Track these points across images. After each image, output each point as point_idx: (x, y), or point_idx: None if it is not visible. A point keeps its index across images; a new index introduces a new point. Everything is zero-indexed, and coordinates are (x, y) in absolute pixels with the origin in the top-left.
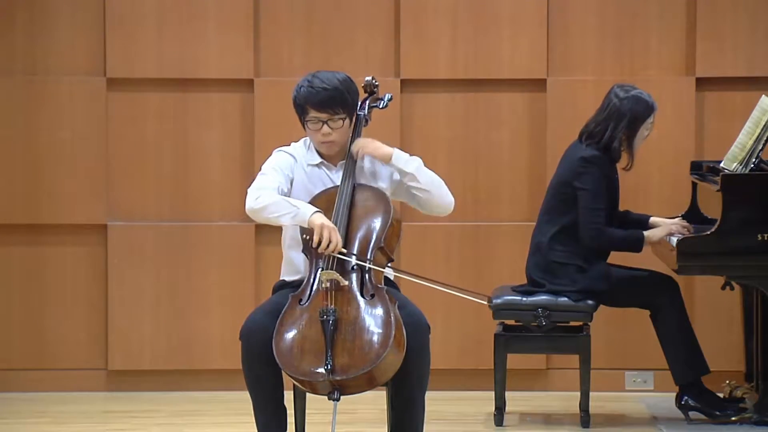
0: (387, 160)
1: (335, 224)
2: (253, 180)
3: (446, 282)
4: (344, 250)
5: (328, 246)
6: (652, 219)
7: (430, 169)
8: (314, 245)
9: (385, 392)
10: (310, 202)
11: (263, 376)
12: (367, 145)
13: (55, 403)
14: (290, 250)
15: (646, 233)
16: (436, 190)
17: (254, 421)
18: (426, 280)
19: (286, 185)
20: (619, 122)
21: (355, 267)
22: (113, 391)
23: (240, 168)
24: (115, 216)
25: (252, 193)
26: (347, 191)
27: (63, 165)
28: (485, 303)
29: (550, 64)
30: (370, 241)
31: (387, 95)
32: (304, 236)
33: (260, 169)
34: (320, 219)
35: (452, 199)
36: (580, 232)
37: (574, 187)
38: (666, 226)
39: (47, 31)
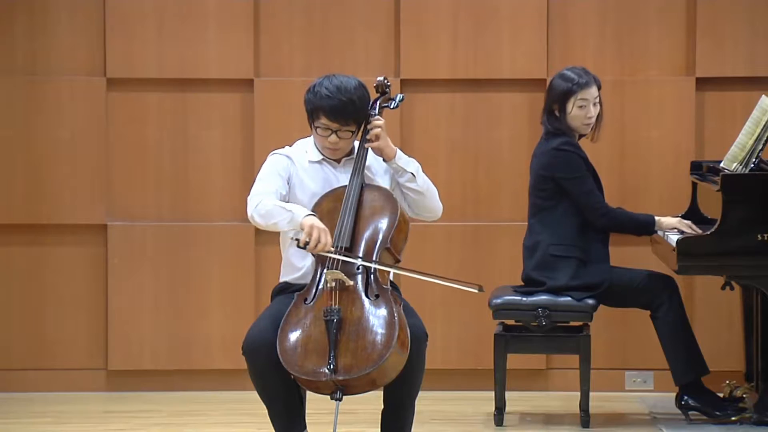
0: (391, 157)
1: (342, 224)
2: (252, 186)
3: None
4: (342, 256)
5: (316, 246)
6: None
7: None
8: (301, 246)
9: None
10: (318, 202)
11: (274, 386)
12: (383, 135)
13: (55, 403)
14: (289, 250)
15: (657, 217)
16: (429, 194)
17: (271, 424)
18: (410, 272)
19: (284, 188)
20: (548, 98)
21: (360, 267)
22: (113, 391)
23: (240, 168)
24: (115, 216)
25: (252, 201)
26: (355, 191)
27: (63, 165)
28: (475, 291)
29: (550, 64)
30: (377, 242)
31: (399, 95)
32: (292, 237)
33: (258, 175)
34: (311, 220)
35: (441, 206)
36: (588, 217)
37: (555, 179)
38: (677, 219)
39: (47, 31)
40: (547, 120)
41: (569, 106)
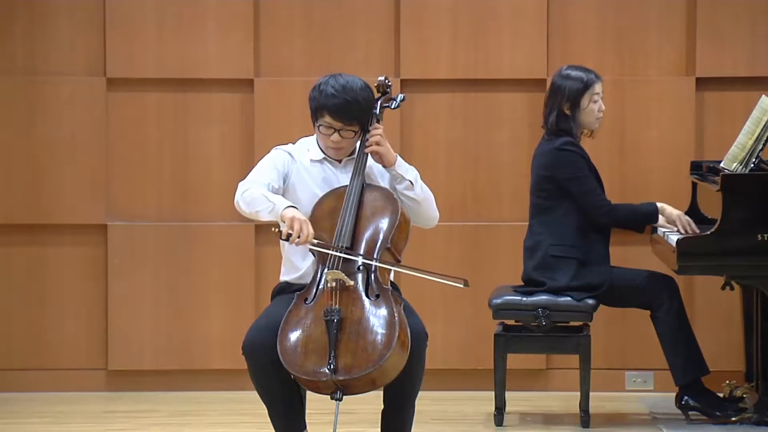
0: (391, 163)
1: (343, 223)
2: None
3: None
4: (342, 253)
5: (298, 237)
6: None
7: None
8: (284, 237)
9: None
10: (318, 201)
11: (274, 386)
12: (383, 142)
13: (55, 403)
14: (290, 250)
15: (659, 204)
16: (426, 203)
17: (271, 424)
18: (399, 267)
19: (278, 181)
20: (557, 98)
21: (361, 267)
22: (113, 391)
23: (240, 168)
24: (115, 216)
25: (241, 187)
26: (356, 191)
27: (63, 165)
28: (461, 286)
29: (550, 64)
30: (377, 242)
31: (399, 95)
32: (273, 229)
33: (256, 165)
34: (291, 212)
35: (438, 215)
36: (591, 216)
37: (557, 179)
38: (678, 213)
39: (47, 31)
40: (556, 120)
41: (585, 101)
